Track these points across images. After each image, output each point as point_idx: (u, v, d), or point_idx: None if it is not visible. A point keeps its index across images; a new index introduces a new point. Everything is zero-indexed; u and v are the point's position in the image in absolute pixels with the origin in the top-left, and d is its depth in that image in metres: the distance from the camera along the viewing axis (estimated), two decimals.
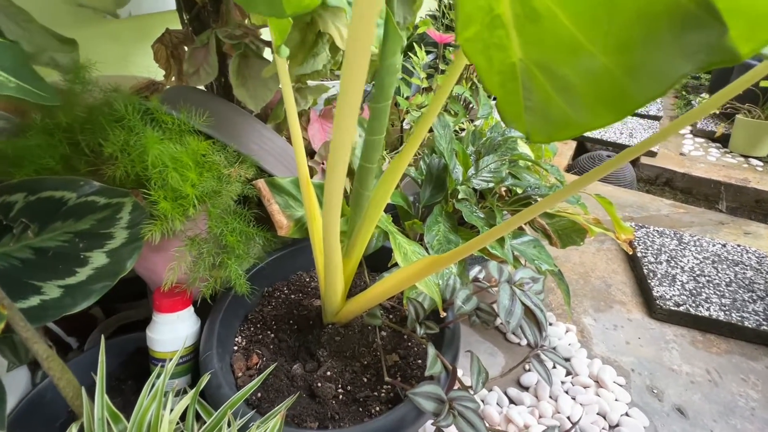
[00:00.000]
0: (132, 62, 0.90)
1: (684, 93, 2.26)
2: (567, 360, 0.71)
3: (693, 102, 2.14)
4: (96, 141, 0.43)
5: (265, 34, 0.56)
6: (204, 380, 0.43)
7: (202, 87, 0.61)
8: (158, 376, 0.40)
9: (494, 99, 1.31)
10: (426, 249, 0.57)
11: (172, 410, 0.38)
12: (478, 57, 0.22)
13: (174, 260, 0.46)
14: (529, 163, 0.78)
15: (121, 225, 0.42)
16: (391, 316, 0.58)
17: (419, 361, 0.52)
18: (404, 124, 0.99)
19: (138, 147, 0.39)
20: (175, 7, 0.61)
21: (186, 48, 0.61)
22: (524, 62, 0.20)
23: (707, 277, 0.90)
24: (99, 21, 0.84)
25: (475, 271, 0.60)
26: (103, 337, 0.42)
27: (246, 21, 0.60)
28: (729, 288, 0.87)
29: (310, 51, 0.46)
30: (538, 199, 0.70)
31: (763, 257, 0.97)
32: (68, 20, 0.78)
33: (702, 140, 1.82)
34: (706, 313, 0.79)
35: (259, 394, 0.47)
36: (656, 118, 1.94)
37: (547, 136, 0.23)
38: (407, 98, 0.94)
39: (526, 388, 0.66)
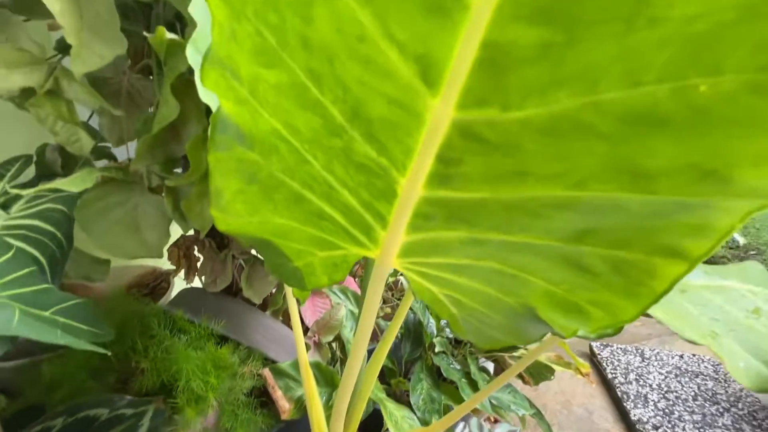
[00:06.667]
0: None
1: None
2: None
3: None
4: (124, 351, 0.50)
5: None
6: None
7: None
8: None
9: None
10: (413, 410, 0.62)
11: None
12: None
13: None
14: None
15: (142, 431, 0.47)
16: None
17: None
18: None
19: (166, 360, 0.47)
20: None
21: (196, 248, 0.74)
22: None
23: (675, 393, 0.97)
24: None
25: (459, 428, 0.66)
26: None
27: None
28: (696, 402, 0.93)
29: None
30: None
31: (718, 365, 1.06)
32: None
33: None
34: None
35: None
36: None
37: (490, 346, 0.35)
38: None
39: None
